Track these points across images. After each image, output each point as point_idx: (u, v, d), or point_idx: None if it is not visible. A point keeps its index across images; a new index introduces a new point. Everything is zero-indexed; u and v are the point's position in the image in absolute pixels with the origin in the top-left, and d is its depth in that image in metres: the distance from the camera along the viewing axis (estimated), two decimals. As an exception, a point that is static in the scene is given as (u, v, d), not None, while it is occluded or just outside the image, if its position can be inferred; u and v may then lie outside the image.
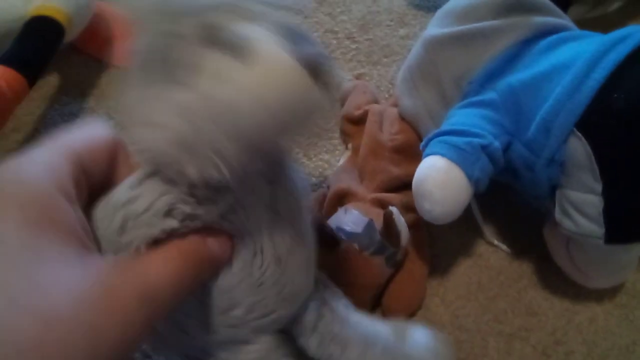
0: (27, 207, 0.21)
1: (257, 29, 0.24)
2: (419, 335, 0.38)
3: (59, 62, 0.63)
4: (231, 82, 0.23)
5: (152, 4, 0.23)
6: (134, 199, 0.25)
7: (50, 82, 0.62)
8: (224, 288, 0.30)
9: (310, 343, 0.37)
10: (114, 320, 0.20)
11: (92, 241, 0.24)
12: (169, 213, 0.25)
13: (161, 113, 0.23)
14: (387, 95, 0.62)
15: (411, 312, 0.46)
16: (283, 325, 0.35)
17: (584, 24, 0.51)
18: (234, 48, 0.23)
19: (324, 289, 0.38)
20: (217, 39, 0.23)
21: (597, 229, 0.39)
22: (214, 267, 0.27)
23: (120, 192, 0.26)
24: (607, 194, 0.38)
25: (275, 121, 0.23)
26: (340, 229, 0.43)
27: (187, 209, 0.26)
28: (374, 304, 0.45)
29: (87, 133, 0.27)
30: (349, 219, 0.44)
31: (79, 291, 0.20)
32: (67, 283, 0.20)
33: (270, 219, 0.31)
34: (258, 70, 0.23)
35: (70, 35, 0.57)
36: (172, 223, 0.25)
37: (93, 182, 0.26)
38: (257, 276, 0.31)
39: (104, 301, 0.20)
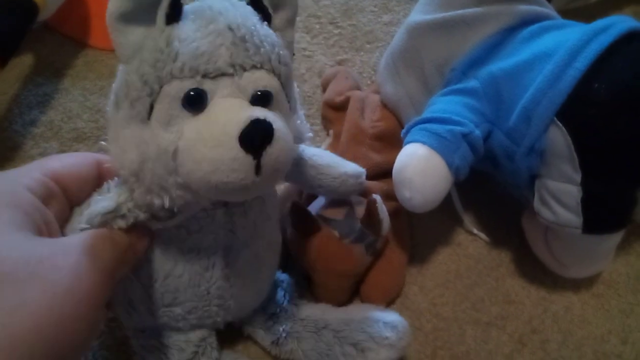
0: None
1: (228, 92, 0.28)
2: (377, 315, 0.40)
3: (34, 42, 0.61)
4: (176, 127, 0.27)
5: (152, 50, 0.27)
6: (100, 200, 0.29)
7: (24, 62, 0.60)
8: (170, 288, 0.35)
9: (266, 341, 0.41)
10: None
11: (52, 232, 0.28)
12: (123, 217, 0.29)
13: (127, 141, 0.28)
14: (369, 82, 0.61)
15: (389, 301, 0.46)
16: (223, 326, 0.39)
17: (568, 13, 0.51)
18: (196, 103, 0.28)
19: (280, 293, 0.42)
20: (188, 97, 0.27)
21: (575, 219, 0.40)
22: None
23: (93, 196, 0.31)
24: (585, 184, 0.38)
25: (202, 173, 0.27)
26: (320, 216, 0.42)
27: (141, 216, 0.30)
28: (353, 291, 0.45)
29: (71, 158, 0.32)
30: (330, 206, 0.44)
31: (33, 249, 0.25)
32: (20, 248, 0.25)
33: (227, 239, 0.35)
34: (200, 122, 0.27)
35: (44, 14, 0.55)
36: (122, 224, 0.29)
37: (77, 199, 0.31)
38: (205, 287, 0.36)
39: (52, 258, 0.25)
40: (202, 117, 0.27)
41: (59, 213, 0.30)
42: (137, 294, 0.35)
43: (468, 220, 0.50)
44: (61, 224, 0.30)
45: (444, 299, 0.46)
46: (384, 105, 0.52)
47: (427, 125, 0.41)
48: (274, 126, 0.27)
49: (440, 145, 0.40)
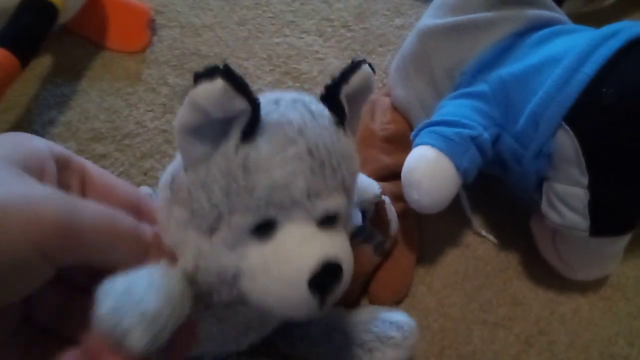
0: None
1: (298, 218, 0.26)
2: (384, 315, 0.40)
3: (53, 44, 0.62)
4: (241, 249, 0.26)
5: (224, 172, 0.25)
6: None
7: (43, 63, 0.62)
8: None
9: (280, 345, 0.41)
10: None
11: None
12: None
13: (182, 242, 0.27)
14: (381, 85, 0.62)
15: (398, 300, 0.46)
16: None
17: (579, 18, 0.52)
18: (266, 232, 0.26)
19: None
20: (257, 227, 0.26)
21: (582, 222, 0.40)
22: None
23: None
24: (593, 187, 0.39)
25: (265, 302, 0.27)
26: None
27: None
28: (362, 291, 0.46)
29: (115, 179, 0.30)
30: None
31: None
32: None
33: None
34: (268, 252, 0.26)
35: (64, 17, 0.57)
36: None
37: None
38: (235, 344, 0.35)
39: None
40: (271, 247, 0.26)
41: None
42: None
43: (477, 222, 0.51)
44: None
45: (451, 299, 0.47)
46: (395, 108, 0.53)
47: (436, 128, 0.42)
48: (343, 267, 0.26)
49: (449, 147, 0.41)
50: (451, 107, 0.45)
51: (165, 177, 0.29)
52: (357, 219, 0.32)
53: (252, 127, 0.24)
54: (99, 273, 0.24)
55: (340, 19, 0.69)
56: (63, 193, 0.24)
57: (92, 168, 0.29)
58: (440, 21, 0.48)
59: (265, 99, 0.26)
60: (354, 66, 0.27)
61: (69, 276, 0.28)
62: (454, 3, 0.49)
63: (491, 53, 0.45)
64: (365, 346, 0.39)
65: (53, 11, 0.54)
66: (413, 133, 0.45)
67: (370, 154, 0.49)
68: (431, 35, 0.48)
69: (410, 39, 0.52)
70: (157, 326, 0.23)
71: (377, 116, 0.52)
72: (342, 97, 0.27)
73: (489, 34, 0.46)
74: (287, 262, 0.25)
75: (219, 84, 0.22)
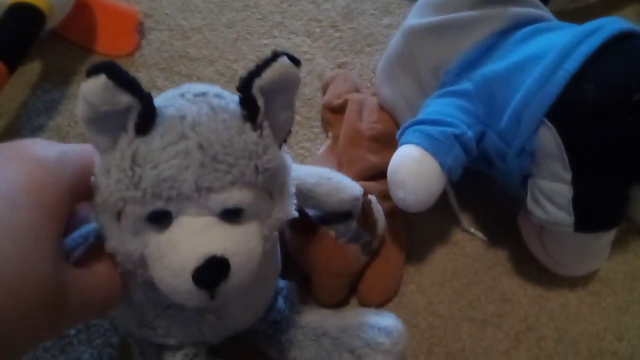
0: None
1: (194, 212, 0.27)
2: (373, 320, 0.40)
3: (42, 49, 0.63)
4: (143, 236, 0.28)
5: (117, 166, 0.27)
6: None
7: (32, 69, 0.62)
8: (162, 324, 0.35)
9: (268, 349, 0.41)
10: None
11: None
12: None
13: (104, 222, 0.28)
14: (369, 85, 0.62)
15: (387, 299, 0.46)
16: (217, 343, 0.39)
17: (568, 13, 0.52)
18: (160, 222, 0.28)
19: (281, 300, 0.42)
20: (151, 217, 0.27)
21: (566, 217, 0.40)
22: None
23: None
24: (576, 183, 0.39)
25: (162, 288, 0.28)
26: (317, 215, 0.43)
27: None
28: (350, 290, 0.46)
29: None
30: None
31: None
32: None
33: None
34: (162, 242, 0.28)
35: (51, 22, 0.57)
36: None
37: None
38: (196, 327, 0.36)
39: None
40: (166, 236, 0.27)
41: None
42: (119, 310, 0.36)
43: (465, 219, 0.51)
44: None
45: (440, 297, 0.47)
46: (382, 107, 0.53)
47: (421, 127, 0.42)
48: (232, 262, 0.27)
49: (433, 146, 0.41)
50: (436, 106, 0.45)
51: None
52: (293, 212, 0.32)
53: (145, 121, 0.26)
54: None
55: (328, 19, 0.69)
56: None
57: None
58: (424, 20, 0.48)
59: (174, 91, 0.28)
60: (269, 60, 0.27)
61: None
62: (438, 2, 0.49)
63: (475, 51, 0.46)
64: (355, 352, 0.39)
65: (40, 17, 0.54)
66: (399, 132, 0.45)
67: (357, 153, 0.49)
68: (416, 34, 0.49)
69: (395, 39, 0.52)
70: None
71: (364, 116, 0.53)
72: (255, 91, 0.27)
73: (473, 33, 0.46)
74: (175, 252, 0.27)
75: (102, 79, 0.24)
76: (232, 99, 0.28)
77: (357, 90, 0.58)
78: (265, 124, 0.28)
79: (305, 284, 0.46)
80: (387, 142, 0.50)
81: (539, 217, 0.42)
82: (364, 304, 0.45)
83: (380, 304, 0.46)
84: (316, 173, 0.40)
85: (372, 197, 0.44)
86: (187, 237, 0.27)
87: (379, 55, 0.65)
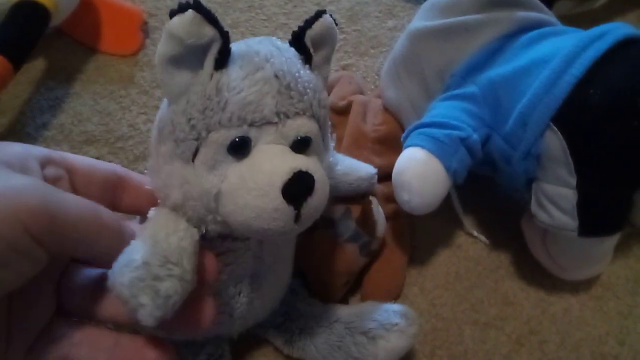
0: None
1: (271, 139, 0.29)
2: (387, 305, 0.41)
3: (46, 47, 0.63)
4: (220, 170, 0.29)
5: (201, 95, 0.28)
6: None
7: (36, 67, 0.62)
8: None
9: (278, 340, 0.42)
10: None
11: None
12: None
13: (170, 177, 0.29)
14: (373, 87, 0.62)
15: (390, 301, 0.46)
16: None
17: (570, 19, 0.52)
18: (241, 150, 0.29)
19: (293, 293, 0.43)
20: (233, 144, 0.28)
21: (571, 222, 0.40)
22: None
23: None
24: (581, 187, 0.39)
25: (243, 218, 0.28)
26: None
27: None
28: (348, 290, 0.46)
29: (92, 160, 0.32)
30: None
31: None
32: None
33: (255, 265, 0.36)
34: (244, 168, 0.28)
35: (56, 20, 0.57)
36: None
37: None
38: (228, 312, 0.36)
39: None
40: (246, 163, 0.28)
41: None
42: None
43: (468, 222, 0.51)
44: None
45: (443, 299, 0.47)
46: (386, 109, 0.53)
47: (426, 130, 0.42)
48: (315, 177, 0.28)
49: (438, 149, 0.41)
50: (441, 109, 0.45)
51: (153, 131, 0.31)
52: (335, 164, 0.36)
53: (223, 56, 0.28)
54: None
55: (332, 21, 0.69)
56: (46, 184, 0.25)
57: (73, 156, 0.30)
58: (430, 23, 0.48)
59: (235, 43, 0.30)
60: (317, 15, 0.31)
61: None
62: (444, 5, 0.49)
63: (481, 55, 0.46)
64: (369, 334, 0.39)
65: (45, 14, 0.54)
66: (403, 135, 0.45)
67: (361, 155, 0.49)
68: (421, 37, 0.49)
69: (401, 41, 0.52)
70: (170, 303, 0.26)
71: (368, 117, 0.53)
72: (307, 41, 0.31)
73: (478, 36, 0.46)
74: (261, 172, 0.28)
75: (190, 13, 0.26)
76: (288, 45, 0.31)
77: (362, 92, 0.58)
78: (318, 72, 0.32)
79: (304, 282, 0.46)
80: (391, 144, 0.50)
81: (543, 221, 0.42)
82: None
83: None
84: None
85: (373, 199, 0.44)
86: (272, 158, 0.28)
87: (383, 57, 0.65)
